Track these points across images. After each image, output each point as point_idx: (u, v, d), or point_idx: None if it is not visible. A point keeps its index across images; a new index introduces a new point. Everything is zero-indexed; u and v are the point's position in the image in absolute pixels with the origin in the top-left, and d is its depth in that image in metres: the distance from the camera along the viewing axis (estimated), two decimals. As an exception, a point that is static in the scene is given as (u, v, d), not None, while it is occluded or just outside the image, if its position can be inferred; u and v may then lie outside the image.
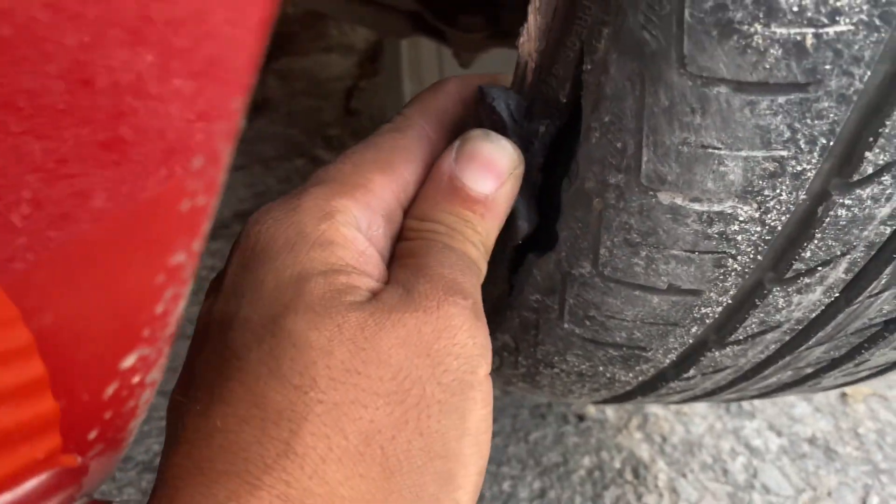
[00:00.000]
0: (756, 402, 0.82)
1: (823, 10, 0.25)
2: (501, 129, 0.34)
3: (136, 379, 0.21)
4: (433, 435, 0.29)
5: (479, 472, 0.31)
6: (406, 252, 0.34)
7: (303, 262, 0.31)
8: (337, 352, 0.29)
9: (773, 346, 0.40)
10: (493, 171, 0.34)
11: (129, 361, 0.19)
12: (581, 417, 0.78)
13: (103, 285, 0.16)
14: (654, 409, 0.80)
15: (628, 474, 0.73)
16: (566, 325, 0.40)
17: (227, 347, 0.29)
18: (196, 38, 0.14)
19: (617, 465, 0.74)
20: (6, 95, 0.13)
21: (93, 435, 0.21)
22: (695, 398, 0.50)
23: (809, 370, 0.45)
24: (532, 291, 0.40)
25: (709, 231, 0.32)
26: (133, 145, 0.15)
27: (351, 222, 0.33)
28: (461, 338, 0.31)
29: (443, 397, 0.30)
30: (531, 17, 0.33)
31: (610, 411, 0.80)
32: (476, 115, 0.36)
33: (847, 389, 0.85)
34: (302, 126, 1.15)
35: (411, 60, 1.00)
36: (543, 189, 0.37)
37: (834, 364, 0.44)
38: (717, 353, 0.40)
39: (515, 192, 0.35)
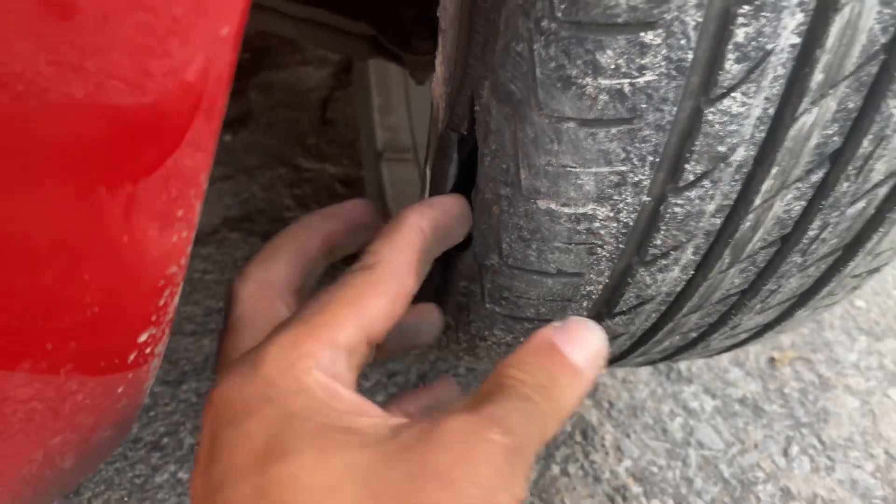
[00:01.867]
0: (693, 369, 0.92)
1: (633, 66, 0.35)
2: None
3: (147, 350, 0.30)
4: None
5: None
6: (484, 390, 0.33)
7: (285, 408, 0.30)
8: (346, 490, 0.28)
9: (654, 315, 0.50)
10: (590, 350, 0.35)
11: (143, 337, 0.29)
12: (537, 389, 0.88)
13: (129, 292, 0.26)
14: (603, 378, 0.90)
15: (578, 436, 0.83)
16: (488, 306, 0.49)
17: (204, 481, 0.29)
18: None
19: (568, 428, 0.83)
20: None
21: (120, 390, 0.31)
22: (609, 363, 0.60)
23: (694, 334, 0.55)
24: (459, 280, 0.49)
25: (578, 228, 0.41)
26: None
27: (318, 362, 0.32)
28: (480, 468, 0.29)
29: (450, 499, 0.28)
30: (438, 68, 0.43)
31: (563, 383, 0.89)
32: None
33: (775, 354, 0.95)
34: (282, 136, 1.24)
35: (378, 73, 1.09)
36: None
37: (713, 328, 0.54)
38: (609, 322, 0.49)
39: (598, 374, 0.36)
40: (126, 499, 0.71)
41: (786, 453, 0.83)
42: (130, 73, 0.19)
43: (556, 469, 0.79)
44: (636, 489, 0.77)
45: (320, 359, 0.33)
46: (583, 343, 0.35)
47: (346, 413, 0.31)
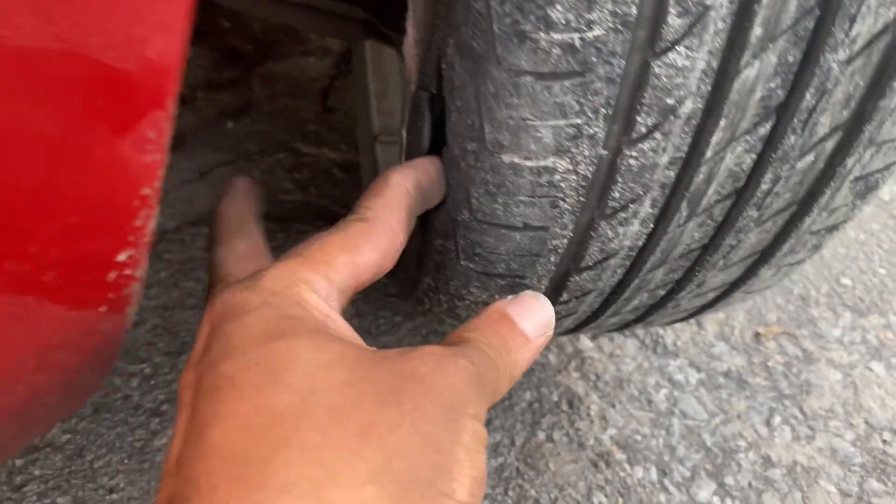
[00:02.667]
0: (679, 343, 0.94)
1: (582, 21, 0.37)
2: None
3: (126, 271, 0.33)
4: (428, 434, 0.30)
5: (475, 480, 0.31)
6: (451, 338, 0.38)
7: (284, 310, 0.33)
8: (338, 370, 0.31)
9: (620, 271, 0.52)
10: (538, 322, 0.40)
11: (122, 257, 0.31)
12: (525, 361, 0.90)
13: (105, 205, 0.28)
14: (591, 352, 0.93)
15: (564, 406, 0.85)
16: (463, 262, 0.52)
17: (221, 375, 0.31)
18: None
19: (555, 398, 0.86)
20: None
21: (102, 309, 0.33)
22: (585, 323, 0.62)
23: (662, 292, 0.57)
24: (436, 237, 0.52)
25: (540, 181, 0.44)
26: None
27: (315, 290, 0.35)
28: (455, 380, 0.33)
29: (433, 409, 0.31)
30: (409, 31, 0.46)
31: (552, 356, 0.92)
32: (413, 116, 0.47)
33: (760, 329, 0.97)
34: (283, 124, 1.27)
35: (375, 60, 1.12)
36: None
37: (679, 285, 0.56)
38: (577, 278, 0.52)
39: (545, 344, 0.41)
40: (126, 461, 0.74)
41: (768, 423, 0.85)
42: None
43: (541, 435, 0.81)
44: (620, 456, 0.80)
45: (317, 288, 0.36)
46: (532, 314, 0.40)
47: (337, 326, 0.35)
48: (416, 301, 0.63)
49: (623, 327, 0.66)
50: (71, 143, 0.24)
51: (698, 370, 0.91)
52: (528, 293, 0.41)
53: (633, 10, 0.37)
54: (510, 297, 0.41)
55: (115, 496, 0.71)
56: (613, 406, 0.86)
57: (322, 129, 1.26)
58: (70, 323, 0.31)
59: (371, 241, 0.39)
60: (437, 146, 0.48)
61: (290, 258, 0.37)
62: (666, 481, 0.78)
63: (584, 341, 0.94)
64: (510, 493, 0.75)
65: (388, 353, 0.34)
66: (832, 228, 0.54)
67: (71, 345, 0.33)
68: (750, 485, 0.78)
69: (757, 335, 0.96)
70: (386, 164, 1.05)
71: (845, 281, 1.06)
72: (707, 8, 0.37)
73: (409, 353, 0.34)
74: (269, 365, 0.31)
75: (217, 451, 0.29)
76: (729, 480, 0.78)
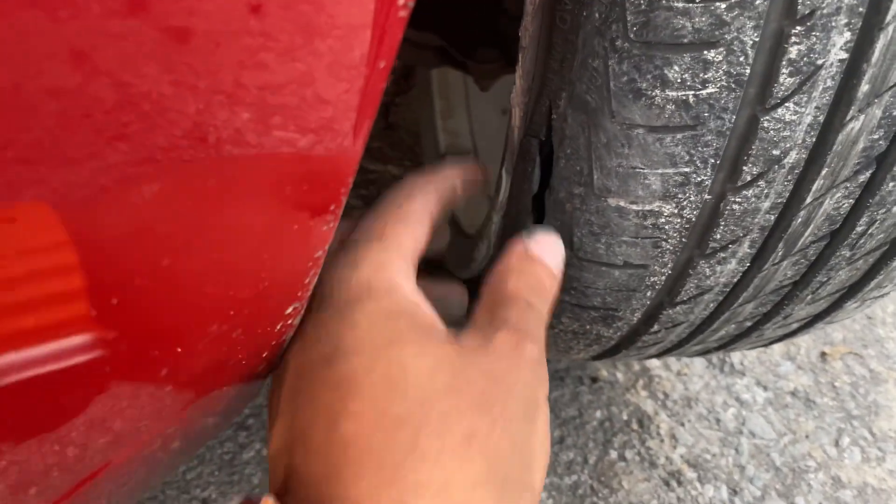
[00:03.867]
0: (746, 362, 0.95)
1: (697, 80, 0.39)
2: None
3: (290, 321, 0.36)
4: (514, 435, 0.36)
5: (545, 466, 0.37)
6: (496, 298, 0.42)
7: (384, 306, 0.37)
8: (440, 376, 0.35)
9: (712, 305, 0.54)
10: (556, 255, 0.46)
11: (289, 309, 0.34)
12: (594, 379, 0.92)
13: (289, 270, 0.31)
14: (658, 370, 0.94)
15: (634, 424, 0.87)
16: (558, 295, 0.54)
17: (341, 375, 0.35)
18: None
19: (625, 417, 0.88)
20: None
21: (265, 354, 0.36)
22: (669, 351, 0.64)
23: (749, 323, 0.59)
24: (532, 271, 0.54)
25: (645, 223, 0.46)
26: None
27: (398, 270, 0.40)
28: (525, 372, 0.38)
29: (516, 410, 0.36)
30: (518, 81, 0.48)
31: (620, 374, 0.94)
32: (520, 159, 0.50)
33: (826, 349, 0.97)
34: (347, 140, 1.30)
35: (440, 79, 1.14)
36: (535, 200, 0.51)
37: (766, 317, 0.58)
38: (670, 311, 0.54)
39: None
40: (217, 472, 0.78)
41: (837, 444, 0.86)
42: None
43: (613, 454, 0.83)
44: (691, 474, 0.81)
45: (399, 268, 0.40)
46: (553, 251, 0.46)
47: (424, 312, 0.39)
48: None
49: (703, 354, 0.68)
50: (276, 225, 0.27)
51: (765, 389, 0.92)
52: (542, 230, 0.46)
53: (747, 70, 0.39)
54: (524, 234, 0.46)
55: (207, 507, 0.75)
56: (682, 425, 0.87)
57: (385, 146, 1.29)
58: (237, 371, 0.34)
59: (416, 214, 0.45)
60: (541, 189, 0.50)
61: (368, 242, 0.41)
62: (737, 500, 0.79)
63: (652, 360, 0.95)
64: (585, 510, 0.77)
65: (471, 347, 0.38)
66: (921, 264, 0.55)
67: (236, 390, 0.36)
68: (821, 505, 0.79)
69: (823, 355, 0.97)
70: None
71: (911, 300, 1.06)
72: (818, 68, 0.39)
73: (487, 347, 0.38)
74: (385, 371, 0.35)
75: (354, 445, 0.33)
76: (799, 501, 0.79)
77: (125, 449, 0.32)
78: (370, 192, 1.18)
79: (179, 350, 0.28)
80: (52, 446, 0.28)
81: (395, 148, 1.30)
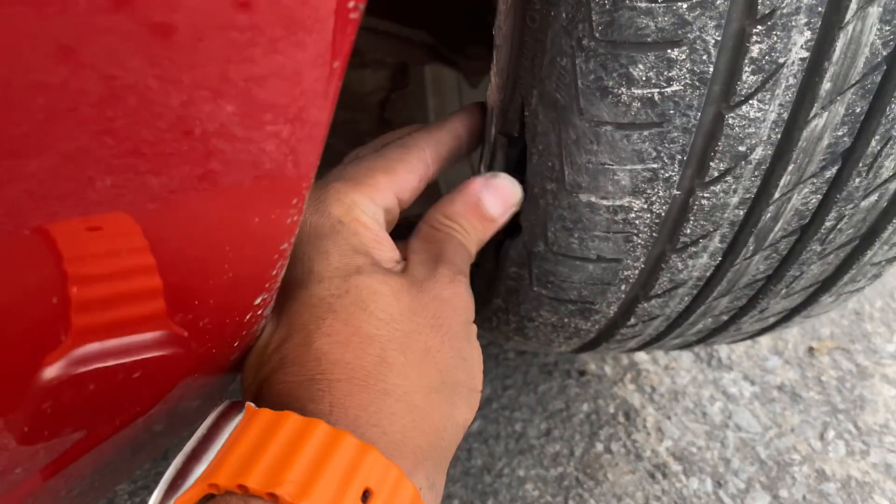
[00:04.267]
0: (734, 356, 0.96)
1: (661, 78, 0.40)
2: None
3: (259, 312, 0.37)
4: (459, 349, 0.42)
5: (481, 366, 0.44)
6: (430, 237, 0.47)
7: (352, 243, 0.42)
8: (402, 299, 0.41)
9: (687, 298, 0.55)
10: (505, 202, 0.49)
11: (258, 300, 0.35)
12: (582, 373, 0.93)
13: (254, 261, 0.33)
14: (646, 364, 0.95)
15: (621, 417, 0.88)
16: (535, 289, 0.55)
17: (315, 297, 0.39)
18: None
19: (611, 410, 0.89)
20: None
21: (237, 343, 0.37)
22: (648, 344, 0.65)
23: (725, 317, 0.60)
24: (510, 266, 0.55)
25: (615, 218, 0.47)
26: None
27: (364, 211, 0.44)
28: (465, 298, 0.44)
29: (460, 329, 0.43)
30: (493, 79, 0.49)
31: (608, 368, 0.95)
32: (494, 153, 0.51)
33: (813, 343, 0.98)
34: (343, 136, 1.31)
35: (433, 77, 1.15)
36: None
37: (743, 311, 0.59)
38: (646, 305, 0.55)
39: (510, 217, 0.50)
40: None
41: (822, 437, 0.87)
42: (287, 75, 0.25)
43: (599, 447, 0.84)
44: (676, 467, 0.82)
45: (366, 209, 0.44)
46: (503, 197, 0.49)
47: (386, 253, 0.44)
48: (483, 319, 0.67)
49: (683, 347, 0.69)
50: (237, 219, 0.28)
51: (752, 383, 0.93)
52: (502, 176, 0.49)
53: (710, 69, 0.40)
54: (487, 175, 0.49)
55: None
56: (669, 418, 0.88)
57: (380, 142, 1.30)
58: (208, 360, 0.35)
59: (407, 164, 0.47)
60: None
61: (342, 181, 0.45)
62: (721, 493, 0.80)
63: (640, 354, 0.96)
64: (570, 501, 0.78)
65: (418, 276, 0.43)
66: (893, 259, 0.56)
67: (206, 376, 0.37)
68: (804, 498, 0.80)
69: (810, 349, 0.98)
70: (446, 179, 1.08)
71: (900, 296, 1.07)
72: (780, 66, 0.40)
73: (433, 276, 0.43)
74: (356, 295, 0.39)
75: (327, 357, 0.37)
76: (783, 493, 0.80)
77: (104, 429, 0.33)
78: (364, 187, 1.20)
79: (149, 340, 0.29)
80: (33, 424, 0.29)
81: (390, 144, 1.30)
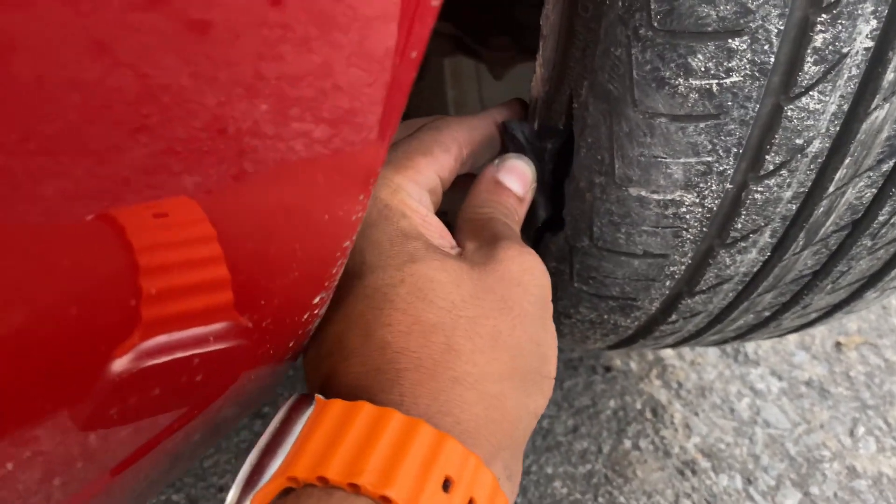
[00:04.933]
0: (760, 352, 0.95)
1: (721, 69, 0.39)
2: (520, 149, 0.49)
3: (316, 311, 0.36)
4: (532, 332, 0.40)
5: (556, 356, 0.42)
6: (475, 226, 0.45)
7: (401, 227, 0.41)
8: (464, 285, 0.39)
9: (731, 294, 0.54)
10: (523, 179, 0.48)
11: (316, 299, 0.34)
12: (608, 369, 0.92)
13: (318, 259, 0.31)
14: (672, 360, 0.94)
15: (648, 414, 0.87)
16: (576, 284, 0.54)
17: (370, 287, 0.38)
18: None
19: (638, 406, 0.88)
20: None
21: (292, 344, 0.36)
22: (686, 340, 0.64)
23: (767, 313, 0.59)
24: (549, 260, 0.54)
25: (666, 213, 0.46)
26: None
27: (410, 194, 0.43)
28: (537, 273, 0.42)
29: (532, 310, 0.40)
30: (538, 70, 0.48)
31: (633, 363, 0.94)
32: (503, 140, 0.51)
33: (841, 338, 0.97)
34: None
35: (452, 70, 1.14)
36: (553, 188, 0.51)
37: (785, 307, 0.58)
38: (689, 301, 0.54)
39: (532, 196, 0.50)
40: (234, 461, 0.78)
41: (852, 434, 0.86)
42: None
43: (627, 444, 0.83)
44: (705, 464, 0.82)
45: (412, 192, 0.43)
46: (519, 175, 0.48)
47: (436, 235, 0.43)
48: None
49: (720, 343, 0.68)
50: (308, 217, 0.27)
51: (780, 379, 0.92)
52: (510, 157, 0.49)
53: (771, 59, 0.39)
54: (496, 162, 0.49)
55: (224, 494, 0.75)
56: (696, 414, 0.87)
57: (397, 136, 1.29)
58: (266, 358, 0.34)
59: (441, 144, 0.47)
60: (559, 178, 0.50)
61: (391, 168, 0.44)
62: (751, 490, 0.79)
63: (666, 350, 0.95)
64: (600, 499, 0.77)
65: (478, 259, 0.41)
66: (941, 255, 0.55)
67: (262, 376, 0.36)
68: (836, 495, 0.79)
69: (838, 344, 0.97)
70: (467, 172, 1.08)
71: (927, 290, 1.05)
72: (843, 56, 0.38)
73: (498, 255, 0.41)
74: (413, 284, 0.38)
75: (391, 347, 0.36)
76: (814, 490, 0.79)
77: (149, 442, 0.32)
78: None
79: (211, 339, 0.28)
80: (79, 439, 0.28)
81: (407, 137, 1.29)
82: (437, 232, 0.44)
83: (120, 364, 0.26)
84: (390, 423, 0.31)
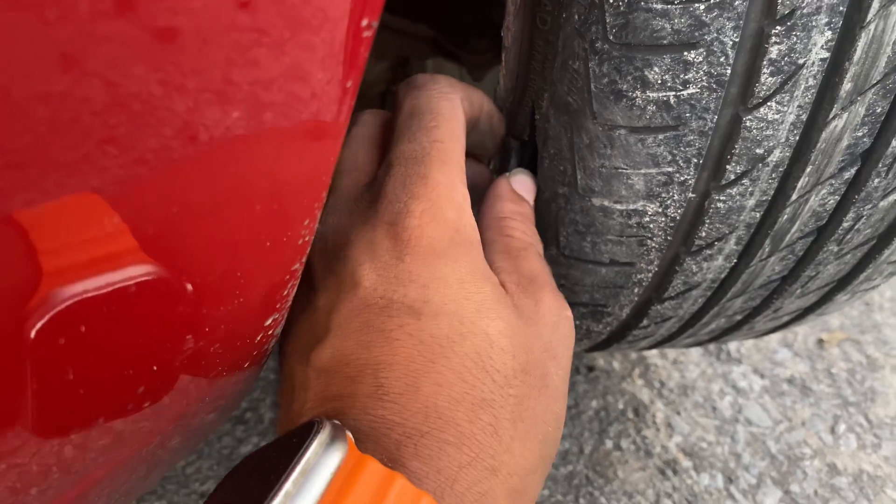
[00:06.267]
0: (743, 350, 0.96)
1: (678, 81, 0.39)
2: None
3: (270, 332, 0.36)
4: (558, 414, 0.38)
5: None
6: (507, 248, 0.43)
7: (473, 264, 0.38)
8: (519, 356, 0.36)
9: (701, 300, 0.54)
10: (531, 193, 0.48)
11: (268, 321, 0.34)
12: (591, 368, 0.93)
13: (266, 283, 0.32)
14: (655, 359, 0.94)
15: (630, 413, 0.87)
16: (547, 292, 0.54)
17: (426, 333, 0.35)
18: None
19: (620, 406, 0.88)
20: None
21: (247, 364, 0.37)
22: (660, 343, 0.64)
23: (739, 317, 0.59)
24: (520, 268, 0.54)
25: (629, 222, 0.46)
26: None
27: (467, 201, 0.40)
28: (568, 339, 0.41)
29: (562, 387, 0.39)
30: (501, 81, 0.48)
31: (616, 363, 0.94)
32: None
33: (823, 335, 0.97)
34: (343, 129, 1.30)
35: (435, 69, 1.14)
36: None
37: (756, 311, 0.58)
38: (659, 307, 0.54)
39: None
40: (215, 467, 0.78)
41: (833, 431, 0.86)
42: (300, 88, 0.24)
43: (609, 444, 0.84)
44: (686, 463, 0.82)
45: (466, 195, 0.40)
46: (529, 189, 0.48)
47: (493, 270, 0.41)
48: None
49: (695, 345, 0.68)
50: (248, 244, 0.27)
51: (762, 377, 0.92)
52: (520, 171, 0.48)
53: (727, 71, 0.39)
54: (510, 175, 0.47)
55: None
56: (678, 413, 0.87)
57: (382, 135, 1.29)
58: (219, 381, 0.34)
59: (458, 120, 0.43)
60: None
61: (444, 163, 0.39)
62: (732, 488, 0.79)
63: (648, 348, 0.96)
64: (581, 500, 0.77)
65: (527, 314, 0.39)
66: (910, 258, 0.55)
67: (215, 397, 0.36)
68: (816, 493, 0.79)
69: (820, 341, 0.97)
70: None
71: (909, 285, 1.06)
72: (799, 67, 0.38)
73: (538, 313, 0.39)
74: (475, 345, 0.35)
75: (436, 411, 0.33)
76: (795, 488, 0.80)
77: (123, 450, 0.32)
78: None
79: (155, 368, 0.28)
80: (54, 448, 0.28)
81: (392, 137, 1.29)
82: (472, 233, 0.40)
83: (52, 385, 0.26)
84: None
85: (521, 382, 0.36)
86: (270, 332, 0.34)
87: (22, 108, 0.19)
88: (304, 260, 0.32)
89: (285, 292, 0.32)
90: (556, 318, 0.40)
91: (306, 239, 0.30)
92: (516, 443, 0.34)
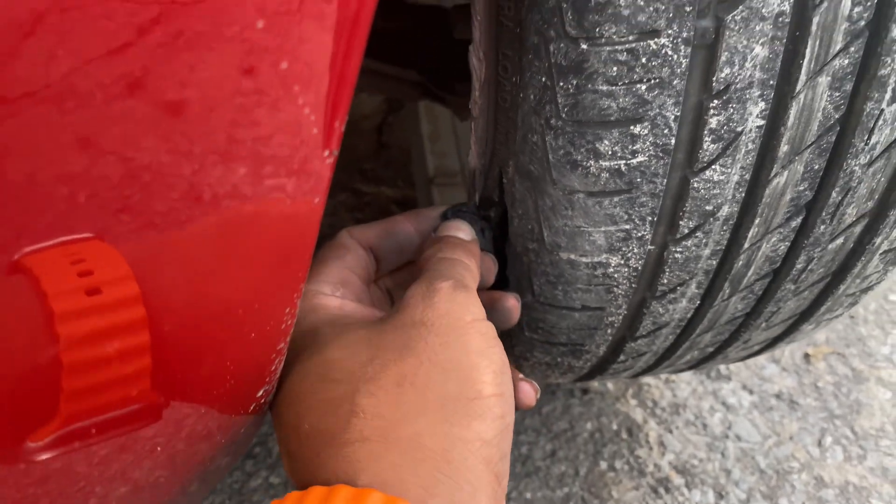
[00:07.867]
0: (732, 367, 0.99)
1: (627, 151, 0.43)
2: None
3: (262, 401, 0.40)
4: (443, 361, 0.40)
5: (495, 371, 0.41)
6: (422, 268, 0.47)
7: (309, 324, 0.44)
8: (361, 352, 0.41)
9: (672, 337, 0.58)
10: (463, 230, 0.51)
11: (259, 393, 0.38)
12: (585, 391, 0.96)
13: (255, 364, 0.36)
14: (647, 378, 0.98)
15: (624, 434, 0.91)
16: (527, 333, 0.58)
17: (292, 381, 0.40)
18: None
19: (614, 427, 0.91)
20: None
21: (242, 431, 0.41)
22: (641, 373, 0.68)
23: (711, 349, 0.62)
24: (501, 313, 0.58)
25: (595, 273, 0.49)
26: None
27: (321, 291, 0.47)
28: (440, 307, 0.42)
29: (440, 340, 0.40)
30: (473, 146, 0.52)
31: (610, 384, 0.97)
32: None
33: (809, 350, 1.00)
34: (342, 163, 1.34)
35: (427, 106, 1.18)
36: (498, 251, 0.55)
37: (727, 343, 0.61)
38: (633, 344, 0.57)
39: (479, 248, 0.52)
40: (227, 501, 0.82)
41: (820, 444, 0.89)
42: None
43: (603, 465, 0.87)
44: (678, 481, 0.85)
45: (321, 289, 0.47)
46: (457, 228, 0.51)
47: (351, 314, 0.46)
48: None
49: (676, 372, 0.72)
50: (239, 338, 0.31)
51: (751, 392, 0.96)
52: (446, 222, 0.52)
53: (672, 140, 0.42)
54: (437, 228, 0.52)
55: (218, 535, 0.79)
56: (671, 431, 0.91)
57: (378, 167, 1.33)
58: (216, 447, 0.38)
59: (338, 247, 0.51)
60: (501, 243, 0.54)
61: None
62: (723, 504, 0.83)
63: (640, 369, 0.99)
64: (576, 521, 0.81)
65: (387, 316, 0.43)
66: (866, 290, 0.58)
67: (216, 458, 0.40)
68: (804, 505, 0.82)
69: (806, 356, 1.00)
70: (443, 204, 1.12)
71: (893, 298, 1.09)
72: (738, 134, 0.42)
73: (405, 300, 0.43)
74: (317, 372, 0.40)
75: (300, 429, 0.38)
76: (783, 502, 0.83)
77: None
78: (364, 215, 1.22)
79: (158, 447, 0.32)
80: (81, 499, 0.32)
81: (388, 167, 1.33)
82: (360, 310, 0.47)
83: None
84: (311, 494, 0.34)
85: (371, 366, 0.40)
86: (262, 400, 0.38)
87: (44, 189, 0.23)
88: (288, 339, 0.35)
89: (273, 367, 0.36)
90: (420, 293, 0.43)
91: (289, 323, 0.34)
92: (383, 407, 0.38)
